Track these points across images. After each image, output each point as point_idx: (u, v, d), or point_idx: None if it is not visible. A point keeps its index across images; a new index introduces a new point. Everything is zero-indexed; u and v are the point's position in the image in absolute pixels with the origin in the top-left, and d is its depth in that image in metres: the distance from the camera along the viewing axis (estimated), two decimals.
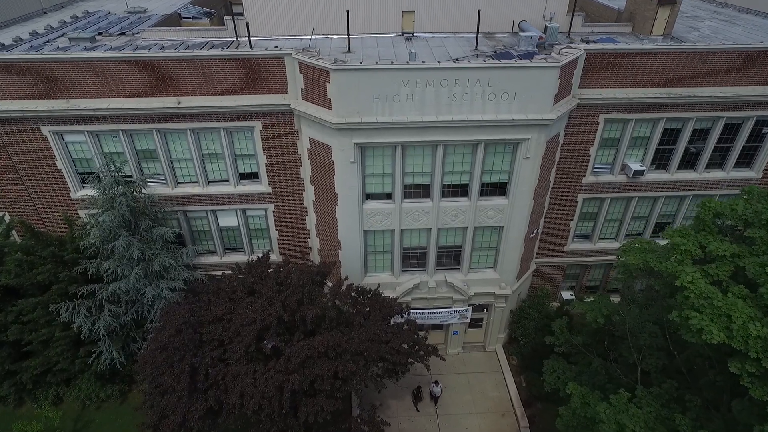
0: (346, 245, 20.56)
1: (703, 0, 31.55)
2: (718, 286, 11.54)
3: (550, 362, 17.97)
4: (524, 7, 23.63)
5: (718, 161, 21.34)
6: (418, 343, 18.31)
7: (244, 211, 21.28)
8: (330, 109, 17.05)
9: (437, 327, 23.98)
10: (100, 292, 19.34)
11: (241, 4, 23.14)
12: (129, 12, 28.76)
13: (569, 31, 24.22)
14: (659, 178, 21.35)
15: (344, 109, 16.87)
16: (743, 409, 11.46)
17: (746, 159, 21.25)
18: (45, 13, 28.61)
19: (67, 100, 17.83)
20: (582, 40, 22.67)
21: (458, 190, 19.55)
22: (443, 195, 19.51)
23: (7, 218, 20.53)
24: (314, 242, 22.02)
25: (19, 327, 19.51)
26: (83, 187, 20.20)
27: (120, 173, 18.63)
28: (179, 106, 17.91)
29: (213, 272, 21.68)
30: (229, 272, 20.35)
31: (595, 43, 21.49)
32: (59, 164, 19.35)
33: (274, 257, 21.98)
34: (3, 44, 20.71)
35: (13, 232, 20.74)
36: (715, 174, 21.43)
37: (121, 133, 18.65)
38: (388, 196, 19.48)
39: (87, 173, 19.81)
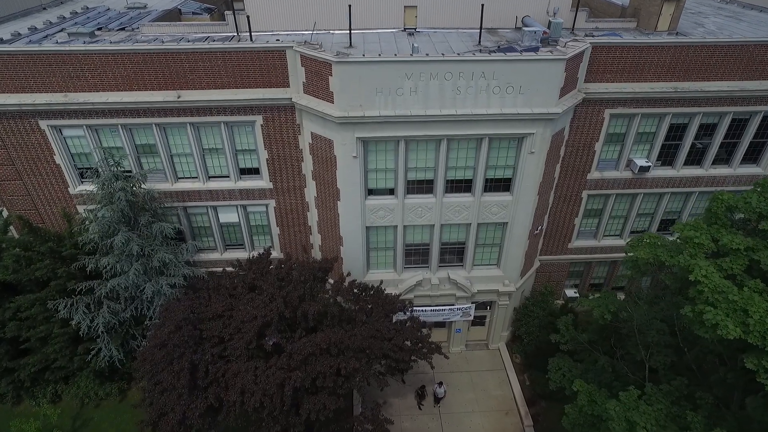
0: (348, 242, 20.31)
1: None
2: (732, 280, 11.28)
3: (555, 360, 17.71)
4: (527, 3, 23.38)
5: (724, 157, 21.09)
6: (422, 340, 18.05)
7: (244, 207, 21.03)
8: (332, 102, 16.81)
9: (440, 325, 23.73)
10: (99, 288, 19.09)
11: (242, 0, 22.90)
12: (129, 8, 28.55)
13: (573, 26, 23.95)
14: (665, 174, 21.10)
15: (347, 103, 16.63)
16: (758, 406, 11.19)
17: (753, 155, 21.00)
18: (44, 8, 28.34)
19: (66, 94, 17.58)
20: (586, 36, 22.40)
21: (462, 186, 19.31)
22: (447, 191, 19.28)
23: (5, 214, 20.28)
24: (316, 239, 21.76)
25: (17, 323, 19.27)
26: (82, 182, 19.96)
27: (119, 168, 18.37)
28: (179, 99, 17.66)
29: (213, 269, 21.42)
30: (230, 269, 20.10)
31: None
32: (58, 159, 19.09)
33: (275, 254, 21.73)
34: (1, 39, 20.46)
35: (11, 227, 20.47)
36: (722, 170, 21.18)
37: (120, 127, 18.40)
38: (391, 191, 19.24)
39: (86, 168, 19.57)
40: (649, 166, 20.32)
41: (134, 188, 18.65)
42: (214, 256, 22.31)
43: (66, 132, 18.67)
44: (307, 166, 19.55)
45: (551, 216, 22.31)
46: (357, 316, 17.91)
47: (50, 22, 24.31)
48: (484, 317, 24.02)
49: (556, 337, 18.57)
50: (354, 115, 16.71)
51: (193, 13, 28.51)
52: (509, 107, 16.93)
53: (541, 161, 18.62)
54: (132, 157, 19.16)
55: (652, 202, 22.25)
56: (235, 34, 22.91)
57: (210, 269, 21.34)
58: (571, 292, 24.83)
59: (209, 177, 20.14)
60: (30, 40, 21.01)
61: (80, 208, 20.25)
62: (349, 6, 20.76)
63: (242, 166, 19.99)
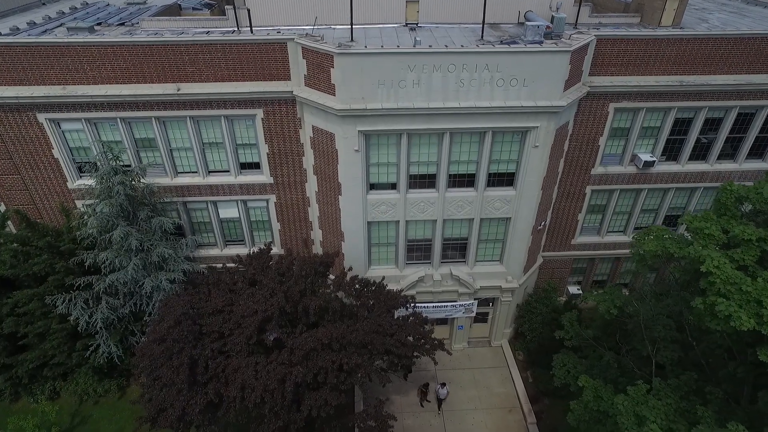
0: (350, 237, 20.09)
1: None
2: (744, 271, 11.04)
3: (559, 356, 17.48)
4: None
5: (730, 152, 20.87)
6: (424, 336, 17.83)
7: (245, 202, 20.82)
8: (334, 95, 16.60)
9: (442, 322, 23.50)
10: (98, 283, 18.87)
11: None
12: (128, 3, 28.34)
13: (576, 21, 23.68)
14: (670, 169, 20.90)
15: (348, 96, 16.43)
16: None
17: (759, 150, 20.80)
18: (43, 4, 28.14)
19: (64, 87, 17.38)
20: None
21: (465, 181, 19.10)
22: (449, 185, 19.07)
23: (3, 208, 20.08)
24: (317, 234, 21.55)
25: (15, 319, 19.06)
26: (80, 176, 19.76)
27: (118, 162, 18.15)
28: (179, 92, 17.47)
29: (213, 265, 21.18)
30: (230, 265, 19.89)
31: None
32: (56, 153, 18.90)
33: (276, 250, 21.48)
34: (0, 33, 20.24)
35: (9, 222, 20.26)
36: (727, 165, 20.97)
37: (119, 120, 18.21)
38: (393, 186, 19.03)
39: (84, 163, 19.36)
40: (654, 161, 20.13)
41: (133, 182, 18.44)
42: (214, 252, 22.10)
43: (64, 125, 18.47)
44: (308, 160, 19.34)
45: (554, 212, 22.10)
46: (358, 312, 17.70)
47: (49, 18, 24.11)
48: (487, 314, 23.80)
49: (560, 333, 18.35)
50: (356, 108, 16.50)
51: (194, 9, 28.25)
52: (513, 100, 16.73)
53: (545, 155, 18.41)
54: (131, 151, 18.96)
55: (657, 198, 22.04)
56: (236, 29, 22.68)
57: (210, 265, 21.10)
58: (574, 289, 24.62)
59: (209, 172, 19.93)
60: (29, 35, 20.77)
61: (79, 203, 20.04)
62: (351, 0, 20.56)
63: (242, 160, 19.78)
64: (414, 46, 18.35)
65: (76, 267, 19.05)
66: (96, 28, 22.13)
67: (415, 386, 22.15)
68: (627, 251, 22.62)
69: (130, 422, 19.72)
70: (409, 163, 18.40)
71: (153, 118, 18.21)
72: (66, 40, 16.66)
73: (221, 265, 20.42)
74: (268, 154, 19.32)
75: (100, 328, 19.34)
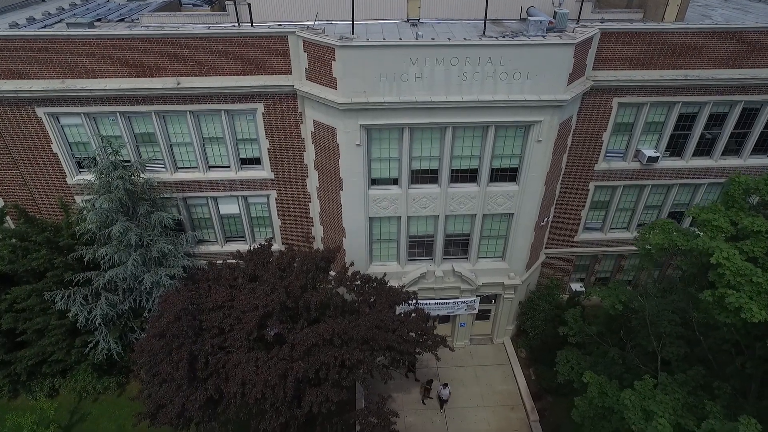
0: (351, 233, 19.91)
1: None
2: (753, 263, 10.87)
3: (563, 352, 17.30)
4: None
5: (734, 148, 20.71)
6: (426, 332, 17.66)
7: (245, 197, 20.65)
8: (335, 89, 16.45)
9: (444, 319, 23.33)
10: (97, 279, 18.72)
11: None
12: None
13: (579, 17, 23.57)
14: (673, 165, 20.73)
15: (350, 89, 16.27)
16: None
17: (764, 145, 20.63)
18: (43, 0, 28.04)
19: (63, 80, 17.23)
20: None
21: (467, 176, 18.93)
22: (452, 181, 18.89)
23: (1, 203, 19.91)
24: (318, 230, 21.38)
25: (13, 315, 18.90)
26: (80, 171, 19.60)
27: (117, 157, 17.98)
28: (179, 86, 17.30)
29: (214, 261, 21.02)
30: (231, 261, 19.71)
31: None
32: (55, 148, 18.73)
33: (277, 246, 21.34)
34: None
35: (7, 217, 20.10)
36: (732, 161, 20.80)
37: (118, 115, 18.04)
38: (395, 181, 18.87)
39: (83, 158, 19.20)
40: (658, 157, 19.96)
41: (133, 177, 18.27)
42: (215, 248, 21.93)
43: (63, 120, 18.30)
44: (309, 155, 19.18)
45: (557, 208, 21.94)
46: (360, 308, 17.54)
47: (49, 14, 23.97)
48: (489, 311, 23.63)
49: (564, 329, 18.16)
50: (358, 102, 16.35)
51: (194, 5, 28.21)
52: (516, 94, 16.57)
53: (548, 150, 18.24)
54: (131, 145, 18.80)
55: (660, 194, 21.87)
56: (236, 24, 22.55)
57: (210, 261, 20.94)
58: (576, 286, 24.45)
59: (209, 167, 19.76)
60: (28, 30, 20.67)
61: (78, 198, 19.88)
62: None
63: (243, 155, 19.61)
64: (416, 39, 18.28)
65: (75, 262, 18.88)
66: (96, 24, 21.98)
67: (417, 384, 21.99)
68: (630, 248, 22.52)
69: (130, 419, 19.50)
70: (411, 158, 18.23)
71: (153, 113, 18.05)
72: (65, 34, 16.50)
73: (222, 261, 20.24)
74: (268, 149, 19.16)
75: (100, 324, 19.18)
